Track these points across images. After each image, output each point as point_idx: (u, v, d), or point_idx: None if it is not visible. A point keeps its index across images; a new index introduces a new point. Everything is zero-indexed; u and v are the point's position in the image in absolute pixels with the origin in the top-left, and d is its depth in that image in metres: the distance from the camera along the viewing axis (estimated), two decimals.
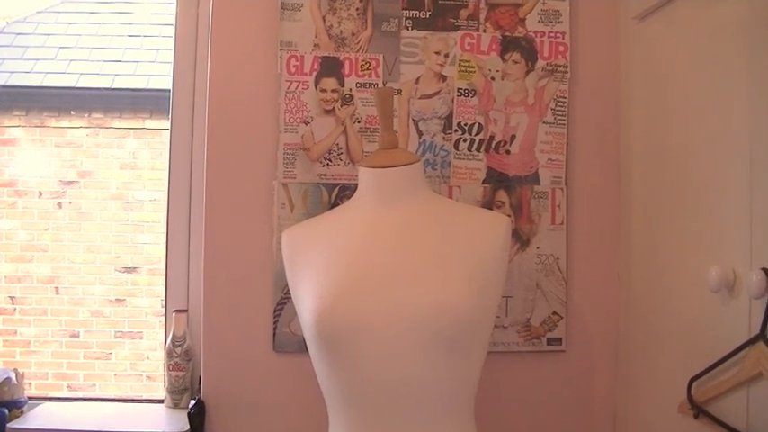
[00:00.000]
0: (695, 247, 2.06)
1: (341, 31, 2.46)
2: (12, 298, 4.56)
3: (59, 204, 5.04)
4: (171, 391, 2.54)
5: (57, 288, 4.78)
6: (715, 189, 1.96)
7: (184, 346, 2.53)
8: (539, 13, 2.53)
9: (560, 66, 2.53)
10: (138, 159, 4.99)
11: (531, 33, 2.53)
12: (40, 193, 5.07)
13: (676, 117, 2.19)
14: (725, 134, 1.92)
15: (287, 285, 2.04)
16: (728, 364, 1.83)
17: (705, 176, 2.02)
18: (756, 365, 1.72)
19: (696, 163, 2.07)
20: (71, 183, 5.04)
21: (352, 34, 2.47)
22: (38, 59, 5.46)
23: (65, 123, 5.16)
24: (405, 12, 2.49)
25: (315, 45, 2.46)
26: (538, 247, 2.49)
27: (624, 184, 2.52)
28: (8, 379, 2.50)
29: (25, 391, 2.58)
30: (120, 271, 4.62)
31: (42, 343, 4.28)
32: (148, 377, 3.83)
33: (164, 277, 2.69)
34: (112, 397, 3.37)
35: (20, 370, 2.59)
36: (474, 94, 2.48)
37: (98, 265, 4.64)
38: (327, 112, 2.44)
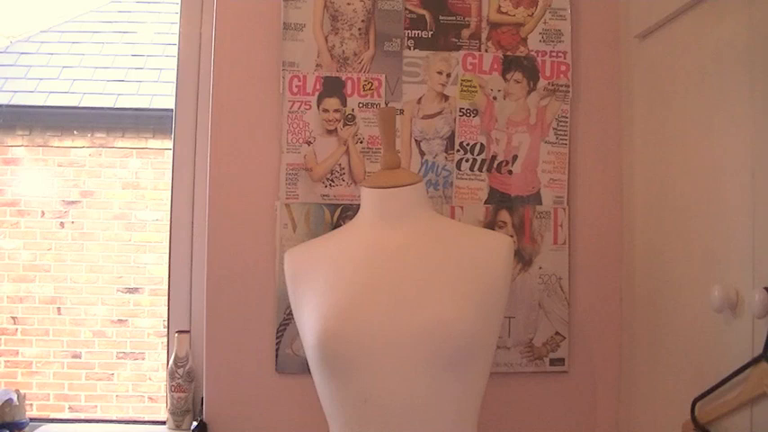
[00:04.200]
0: (698, 267, 2.05)
1: (343, 51, 2.47)
2: (14, 318, 4.56)
3: (62, 224, 5.05)
4: (173, 413, 2.53)
5: (59, 308, 4.78)
6: (717, 208, 1.96)
7: (186, 368, 2.52)
8: (540, 33, 2.54)
9: (562, 85, 2.53)
10: (141, 179, 5.00)
11: (532, 53, 2.53)
12: (43, 213, 5.07)
13: (678, 136, 2.19)
14: (726, 153, 1.92)
15: (289, 306, 2.05)
16: (732, 384, 1.82)
17: (707, 196, 2.01)
18: (759, 385, 1.71)
19: (698, 182, 2.06)
20: (74, 202, 5.05)
21: (355, 54, 2.47)
22: (41, 79, 5.48)
23: (68, 143, 5.17)
24: (407, 31, 2.49)
25: (317, 65, 2.46)
26: (540, 267, 2.49)
27: (626, 203, 2.52)
28: (10, 400, 2.49)
29: (27, 413, 2.56)
30: (122, 291, 4.62)
31: (44, 364, 4.28)
32: (150, 398, 3.82)
33: (166, 298, 2.69)
34: (114, 418, 3.37)
35: (21, 391, 2.57)
36: (476, 114, 2.49)
37: (100, 285, 4.65)
38: (330, 132, 2.45)
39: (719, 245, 1.94)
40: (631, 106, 2.50)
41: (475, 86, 2.49)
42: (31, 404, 3.28)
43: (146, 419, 3.00)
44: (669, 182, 2.24)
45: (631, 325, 2.46)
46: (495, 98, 2.50)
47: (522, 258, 2.48)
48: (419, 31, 2.49)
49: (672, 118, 2.23)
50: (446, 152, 2.48)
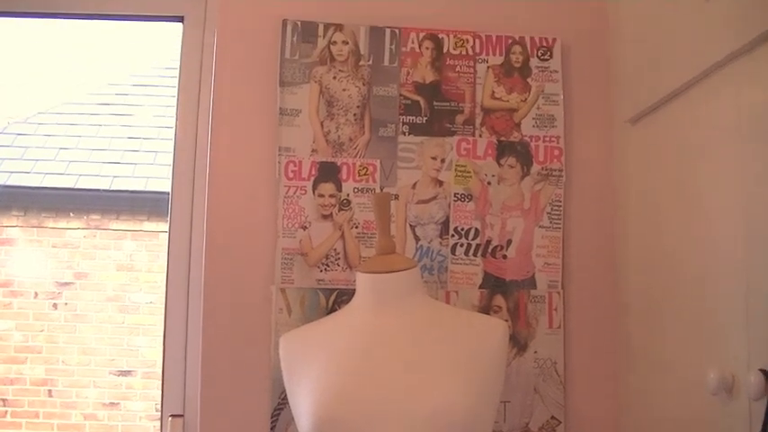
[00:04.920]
0: (693, 350, 2.05)
1: (339, 137, 2.49)
2: (3, 400, 4.53)
3: (55, 305, 5.04)
4: None
5: (50, 390, 4.75)
6: (712, 291, 1.96)
7: None
8: (533, 118, 2.57)
9: (555, 170, 2.55)
10: (135, 261, 5.01)
11: (526, 138, 2.55)
12: (36, 294, 5.07)
13: (671, 219, 2.20)
14: (720, 234, 1.93)
15: (284, 391, 2.04)
16: None
17: (701, 277, 2.02)
18: None
19: (692, 264, 2.07)
20: (67, 284, 5.04)
21: (350, 139, 2.50)
22: (38, 160, 5.52)
23: (62, 224, 5.19)
24: (402, 117, 2.52)
25: (313, 150, 2.48)
26: (535, 351, 2.48)
27: (621, 286, 2.52)
28: None
29: None
30: (114, 374, 4.60)
31: None
32: None
33: (159, 381, 2.67)
34: None
35: None
36: (470, 199, 2.50)
37: (92, 367, 4.63)
38: (325, 216, 2.46)
39: (714, 327, 1.94)
40: (624, 189, 2.52)
41: (469, 171, 2.52)
42: None
43: None
44: (663, 264, 2.25)
45: (628, 409, 2.45)
46: (489, 183, 2.52)
47: (518, 343, 2.47)
48: (414, 117, 2.52)
49: (664, 200, 2.25)
50: (441, 237, 2.49)
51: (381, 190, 2.47)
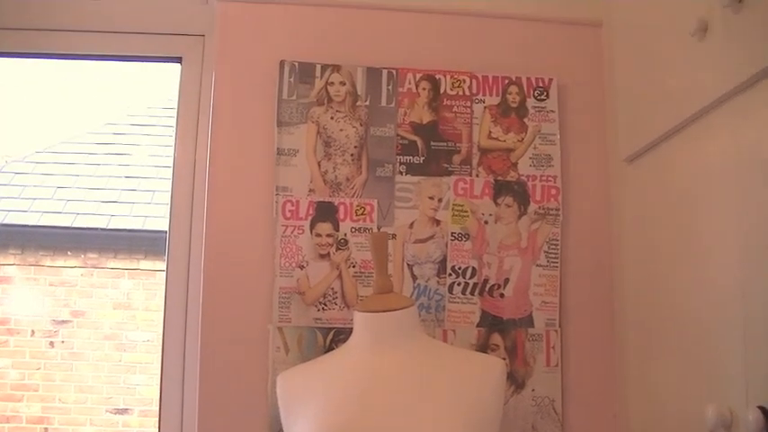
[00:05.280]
0: (691, 387, 2.05)
1: (336, 176, 2.50)
2: None
3: (52, 343, 5.04)
4: None
5: (46, 429, 4.73)
6: (709, 328, 1.96)
7: None
8: (530, 158, 2.58)
9: (552, 209, 2.56)
10: (132, 300, 5.01)
11: (523, 177, 2.57)
12: (33, 332, 5.06)
13: (668, 257, 2.21)
14: (717, 272, 1.93)
15: (281, 429, 2.04)
16: None
17: (699, 315, 2.02)
18: None
19: (690, 302, 2.07)
20: (64, 322, 5.04)
21: (347, 179, 2.51)
22: (35, 198, 5.54)
23: (60, 262, 5.19)
24: (399, 157, 2.53)
25: (310, 190, 2.49)
26: (533, 390, 2.48)
27: (618, 324, 2.52)
28: None
29: None
30: (111, 412, 4.59)
31: None
32: None
33: (155, 419, 2.66)
34: None
35: None
36: (467, 238, 2.51)
37: (89, 405, 4.61)
38: (322, 256, 2.46)
39: (712, 364, 1.94)
40: (621, 228, 2.53)
41: (466, 211, 2.53)
42: None
43: None
44: (660, 303, 2.25)
45: None
46: (486, 222, 2.53)
47: (515, 381, 2.47)
48: (411, 157, 2.54)
49: (662, 238, 2.26)
50: (438, 276, 2.50)
51: (379, 229, 2.48)
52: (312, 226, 2.47)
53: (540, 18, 2.70)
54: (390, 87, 2.57)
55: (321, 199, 2.49)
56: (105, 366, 4.75)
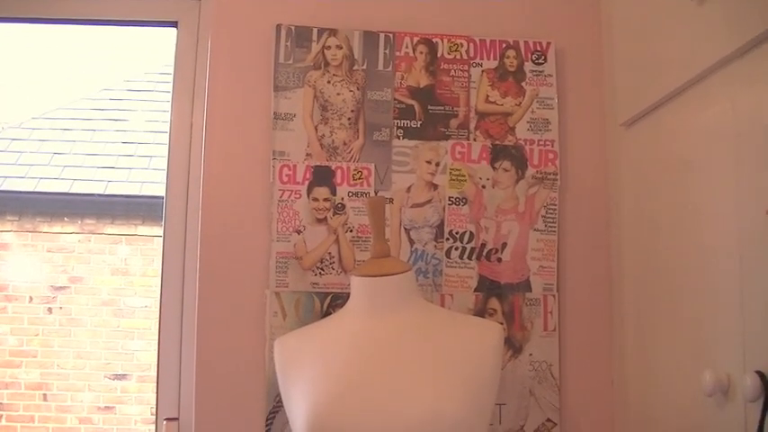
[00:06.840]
0: (689, 352, 2.06)
1: (333, 141, 2.49)
2: None
3: (50, 310, 5.04)
4: None
5: (45, 395, 4.75)
6: (706, 292, 1.97)
7: None
8: (528, 122, 2.57)
9: (550, 173, 2.56)
10: (130, 266, 5.01)
11: (520, 141, 2.56)
12: (31, 298, 5.07)
13: (665, 222, 2.21)
14: (714, 237, 1.93)
15: (279, 394, 2.05)
16: None
17: (696, 280, 2.02)
18: None
19: (686, 267, 2.08)
20: (62, 288, 5.04)
21: (344, 144, 2.50)
22: (32, 165, 5.53)
23: (57, 229, 5.19)
24: (396, 121, 2.52)
25: (307, 154, 2.48)
26: (530, 354, 2.48)
27: (616, 289, 2.53)
28: None
29: None
30: (109, 378, 4.60)
31: None
32: None
33: (154, 384, 2.66)
34: None
35: None
36: (465, 203, 2.51)
37: (87, 371, 4.63)
38: (320, 220, 2.46)
39: (709, 329, 1.95)
40: (619, 193, 2.52)
41: (464, 175, 2.52)
42: None
43: None
44: (657, 267, 2.25)
45: (623, 411, 2.45)
46: (483, 187, 2.52)
47: (513, 346, 2.47)
48: (408, 121, 2.53)
49: (659, 204, 2.25)
50: (435, 241, 2.49)
51: (376, 194, 2.48)
52: (309, 190, 2.46)
53: None
54: (387, 51, 2.55)
55: (318, 163, 2.48)
56: (103, 332, 4.76)
